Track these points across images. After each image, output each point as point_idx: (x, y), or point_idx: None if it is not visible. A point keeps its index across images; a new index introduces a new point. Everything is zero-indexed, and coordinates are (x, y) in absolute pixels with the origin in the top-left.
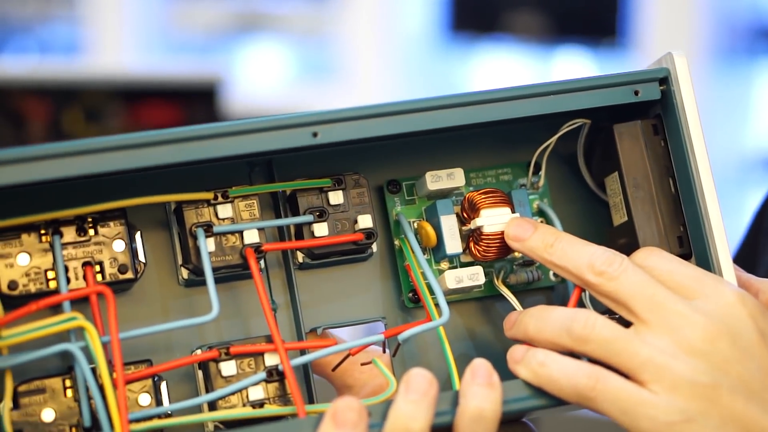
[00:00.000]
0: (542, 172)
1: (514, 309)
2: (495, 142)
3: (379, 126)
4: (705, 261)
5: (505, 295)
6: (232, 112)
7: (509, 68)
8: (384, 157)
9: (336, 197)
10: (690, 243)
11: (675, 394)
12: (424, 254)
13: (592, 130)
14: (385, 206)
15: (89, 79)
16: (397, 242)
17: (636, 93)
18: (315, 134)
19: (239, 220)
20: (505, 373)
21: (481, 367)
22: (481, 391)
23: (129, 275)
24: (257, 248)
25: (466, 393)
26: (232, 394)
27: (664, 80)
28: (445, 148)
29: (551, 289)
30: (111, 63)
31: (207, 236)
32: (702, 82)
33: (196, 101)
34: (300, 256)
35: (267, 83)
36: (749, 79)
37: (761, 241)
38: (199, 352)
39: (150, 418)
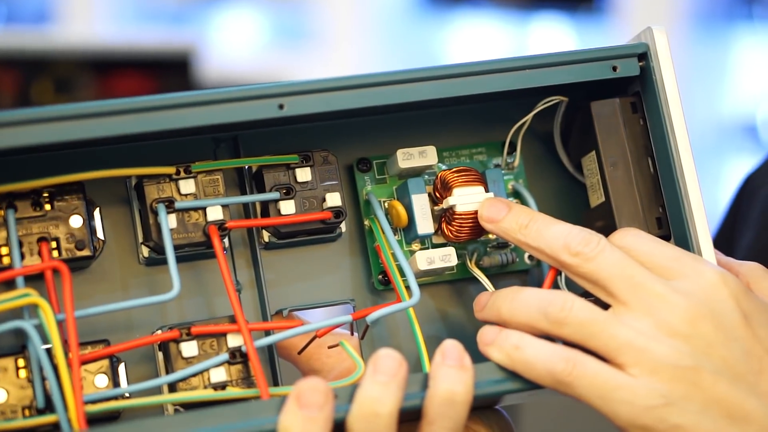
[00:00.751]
0: (517, 152)
1: (486, 291)
2: (469, 120)
3: (348, 99)
4: (684, 243)
5: (479, 277)
6: (207, 81)
7: (486, 36)
8: (354, 134)
9: (304, 174)
10: (669, 224)
11: (655, 377)
12: (394, 235)
13: (569, 109)
14: (355, 185)
15: (59, 48)
16: (367, 222)
17: (614, 69)
18: (281, 106)
19: (202, 196)
20: (478, 357)
21: (452, 348)
22: (451, 373)
23: (86, 252)
24: (221, 226)
25: (436, 375)
26: (193, 375)
27: (643, 56)
28: (418, 125)
29: (526, 272)
30: (81, 32)
31: (168, 212)
32: (681, 47)
33: (170, 71)
34: (266, 235)
35: (242, 51)
36: (728, 45)
37: (738, 226)
38: (159, 332)
39: (107, 399)
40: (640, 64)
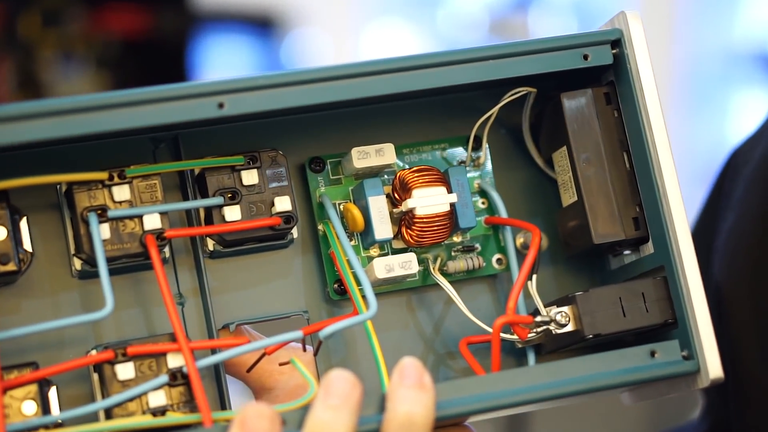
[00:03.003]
0: (483, 147)
1: (452, 300)
2: (430, 112)
3: (294, 96)
4: (663, 245)
5: (442, 285)
6: (203, 12)
7: None
8: (305, 131)
9: (250, 177)
10: (647, 225)
11: None
12: (351, 240)
13: (539, 100)
14: (308, 186)
15: None
16: (320, 227)
17: (585, 57)
18: (221, 105)
19: (139, 203)
20: (441, 374)
21: (410, 366)
22: (410, 394)
23: (11, 267)
24: (159, 235)
25: (393, 396)
26: (130, 400)
27: (617, 43)
28: (375, 120)
29: (494, 277)
30: None
31: (101, 222)
32: None
33: (165, 3)
34: (210, 243)
35: None
36: None
37: (721, 206)
38: (94, 352)
39: (35, 429)
40: (614, 51)
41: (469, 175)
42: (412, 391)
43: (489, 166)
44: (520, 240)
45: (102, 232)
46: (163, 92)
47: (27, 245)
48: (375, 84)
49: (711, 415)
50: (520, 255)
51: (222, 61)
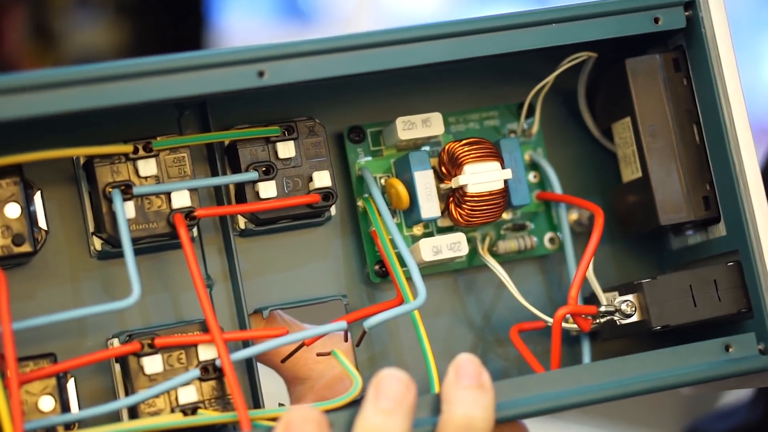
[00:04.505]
0: (536, 116)
1: (502, 283)
2: (478, 78)
3: (340, 64)
4: (738, 227)
5: (491, 266)
6: None
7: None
8: (345, 97)
9: (286, 149)
10: (718, 205)
11: None
12: (393, 217)
13: (597, 64)
14: (346, 158)
15: None
16: (360, 203)
17: (656, 21)
18: (261, 73)
19: (166, 178)
20: (492, 372)
21: (467, 364)
22: (468, 396)
23: (26, 248)
24: (188, 214)
25: (450, 398)
26: (157, 396)
27: (690, 4)
28: (419, 86)
29: (545, 257)
30: None
31: (125, 199)
32: None
33: None
34: (242, 221)
35: None
36: None
37: None
38: (116, 341)
39: (53, 427)
40: (687, 13)
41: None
42: (470, 392)
43: (540, 135)
44: (573, 216)
45: (126, 210)
46: (198, 59)
47: (42, 222)
48: (429, 50)
49: (765, 399)
50: (574, 233)
51: (243, 6)
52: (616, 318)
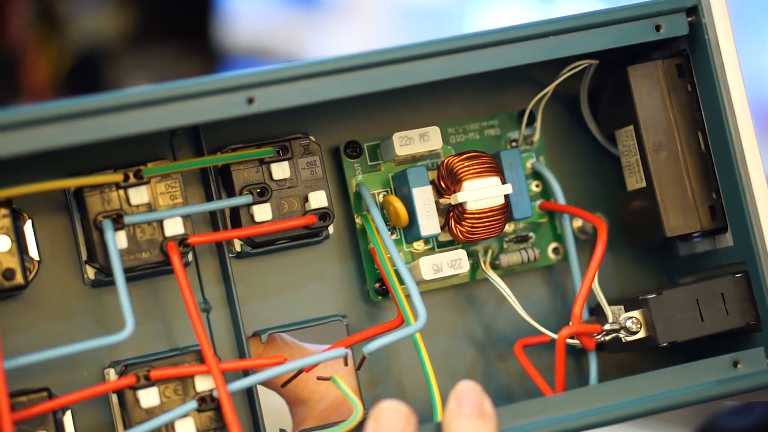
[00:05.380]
0: (537, 123)
1: (504, 297)
2: (478, 87)
3: (333, 87)
4: (745, 238)
5: (494, 282)
6: None
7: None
8: (341, 112)
9: (281, 170)
10: (725, 214)
11: None
12: (392, 233)
13: (600, 68)
14: (343, 174)
15: None
16: (358, 220)
17: (657, 28)
18: (251, 100)
19: (158, 205)
20: (496, 389)
21: (468, 392)
22: (470, 424)
23: (17, 281)
24: (182, 241)
25: (451, 427)
26: (154, 430)
27: (693, 10)
28: (416, 97)
29: (549, 268)
30: None
31: (117, 228)
32: None
33: None
34: (237, 244)
35: None
36: None
37: None
38: (112, 372)
39: None
40: (689, 19)
41: (521, 154)
42: (471, 421)
43: (542, 143)
44: (577, 223)
45: (118, 240)
46: (185, 88)
47: (33, 252)
48: (422, 69)
49: None
50: (578, 241)
51: None
52: (621, 335)
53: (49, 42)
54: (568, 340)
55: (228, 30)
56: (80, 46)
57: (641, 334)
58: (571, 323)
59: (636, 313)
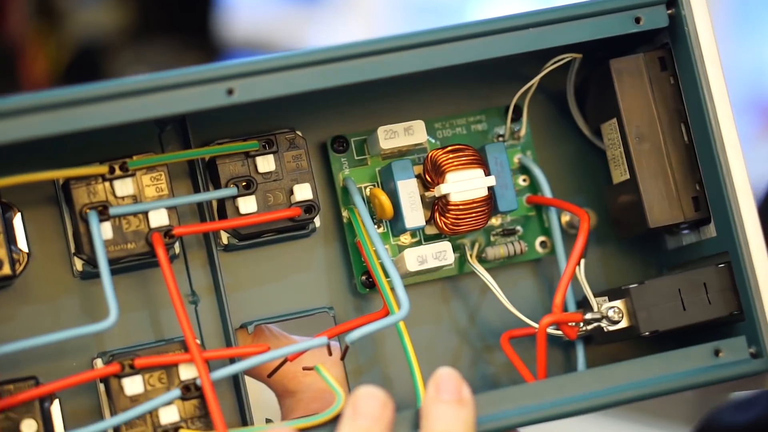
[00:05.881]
0: (524, 118)
1: (489, 289)
2: (464, 82)
3: (313, 77)
4: (726, 229)
5: (481, 275)
6: None
7: None
8: (326, 106)
9: (266, 163)
10: (708, 205)
11: None
12: (379, 226)
13: (584, 63)
14: (330, 168)
15: None
16: (345, 213)
17: (637, 20)
18: (230, 91)
19: (143, 197)
20: (481, 379)
21: (447, 379)
22: (448, 410)
23: (5, 271)
24: (167, 232)
25: (429, 413)
26: (137, 417)
27: (673, 2)
28: (402, 91)
29: (537, 261)
30: None
31: (102, 220)
32: None
33: None
34: (224, 236)
35: None
36: None
37: None
38: (99, 362)
39: None
40: (669, 11)
41: (508, 149)
42: (449, 407)
43: (529, 137)
44: (565, 218)
45: (104, 231)
46: (164, 80)
47: (22, 244)
48: (404, 60)
49: None
50: (566, 235)
51: None
52: (603, 325)
53: (48, 36)
54: (554, 331)
55: (227, 24)
56: (79, 40)
57: (623, 324)
58: (552, 312)
59: (618, 303)
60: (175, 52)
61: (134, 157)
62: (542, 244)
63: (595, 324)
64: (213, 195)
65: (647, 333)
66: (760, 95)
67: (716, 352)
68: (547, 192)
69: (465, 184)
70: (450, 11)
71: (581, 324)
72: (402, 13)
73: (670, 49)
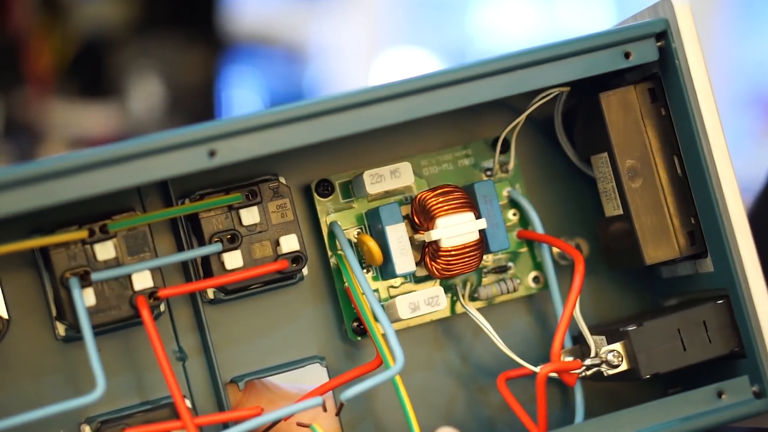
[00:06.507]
0: (512, 151)
1: (482, 330)
2: (450, 116)
3: (294, 135)
4: (724, 264)
5: (474, 318)
6: None
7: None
8: (311, 151)
9: (250, 215)
10: (704, 239)
11: None
12: (368, 271)
13: (573, 91)
14: (315, 211)
15: None
16: (333, 259)
17: (627, 55)
18: (212, 153)
19: (126, 259)
20: (478, 422)
21: None
22: None
23: None
24: (152, 294)
25: None
26: None
27: (662, 35)
28: (388, 129)
29: (530, 297)
30: None
31: (84, 286)
32: None
33: None
34: (211, 291)
35: None
36: None
37: None
38: (87, 429)
39: None
40: (659, 44)
41: (496, 183)
42: None
43: (519, 170)
44: (557, 249)
45: (86, 297)
46: (144, 145)
47: (2, 310)
48: (387, 111)
49: None
50: (559, 267)
51: None
52: (602, 369)
53: (52, 30)
54: (551, 374)
55: (232, 18)
56: (84, 34)
57: (623, 367)
58: (551, 360)
59: (617, 346)
60: (181, 46)
61: (114, 218)
62: (535, 279)
63: (595, 369)
64: (197, 253)
65: (648, 376)
66: (765, 91)
67: (719, 394)
68: (538, 227)
69: (455, 229)
70: (451, 7)
71: (581, 371)
72: (404, 8)
73: (659, 77)
